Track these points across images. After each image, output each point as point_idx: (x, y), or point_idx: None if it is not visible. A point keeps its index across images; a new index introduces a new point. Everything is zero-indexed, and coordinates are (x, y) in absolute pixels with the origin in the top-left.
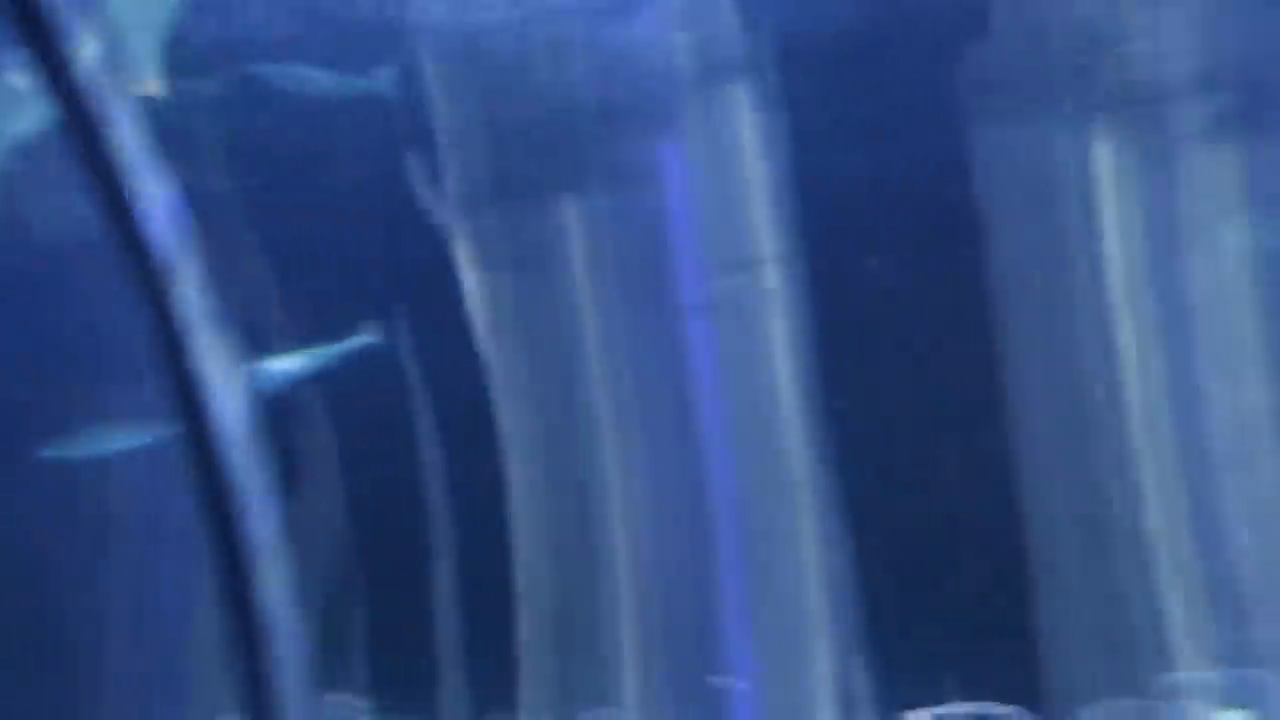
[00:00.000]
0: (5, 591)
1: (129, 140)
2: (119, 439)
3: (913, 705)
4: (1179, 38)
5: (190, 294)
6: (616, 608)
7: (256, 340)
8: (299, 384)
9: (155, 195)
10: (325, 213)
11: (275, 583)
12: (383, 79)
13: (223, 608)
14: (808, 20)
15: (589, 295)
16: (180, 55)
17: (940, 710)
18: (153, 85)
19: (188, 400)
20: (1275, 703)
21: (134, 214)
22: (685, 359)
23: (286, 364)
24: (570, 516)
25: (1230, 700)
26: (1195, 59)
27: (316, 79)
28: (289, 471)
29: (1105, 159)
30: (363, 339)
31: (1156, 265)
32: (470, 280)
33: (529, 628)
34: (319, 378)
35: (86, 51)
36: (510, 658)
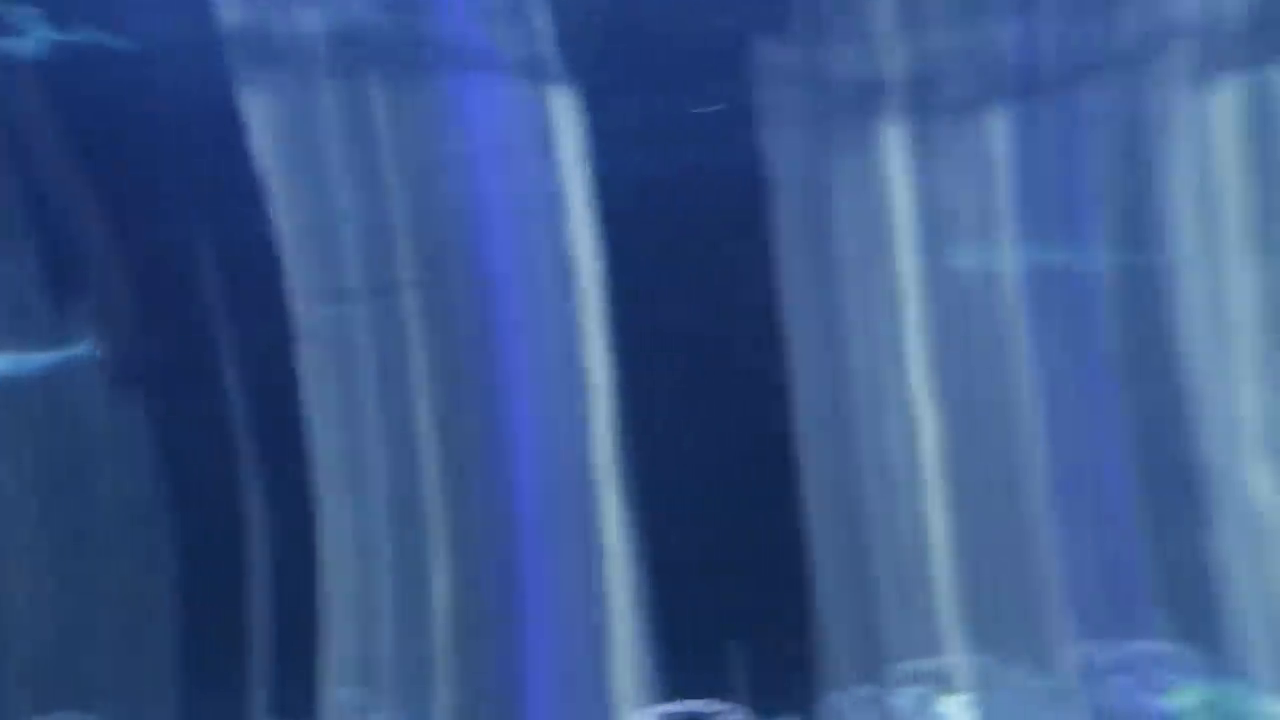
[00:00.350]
0: None
1: None
2: None
3: (656, 701)
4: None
5: None
6: (422, 613)
7: None
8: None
9: None
10: (45, 191)
11: None
12: (117, 31)
13: None
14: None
15: (378, 288)
16: None
17: (664, 708)
18: None
19: None
20: (998, 686)
21: None
22: (492, 361)
23: None
24: (359, 517)
25: (955, 686)
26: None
27: (34, 30)
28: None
29: (888, 159)
30: (78, 348)
31: (929, 266)
32: (219, 272)
33: (324, 632)
34: (27, 383)
35: None
36: (290, 666)
